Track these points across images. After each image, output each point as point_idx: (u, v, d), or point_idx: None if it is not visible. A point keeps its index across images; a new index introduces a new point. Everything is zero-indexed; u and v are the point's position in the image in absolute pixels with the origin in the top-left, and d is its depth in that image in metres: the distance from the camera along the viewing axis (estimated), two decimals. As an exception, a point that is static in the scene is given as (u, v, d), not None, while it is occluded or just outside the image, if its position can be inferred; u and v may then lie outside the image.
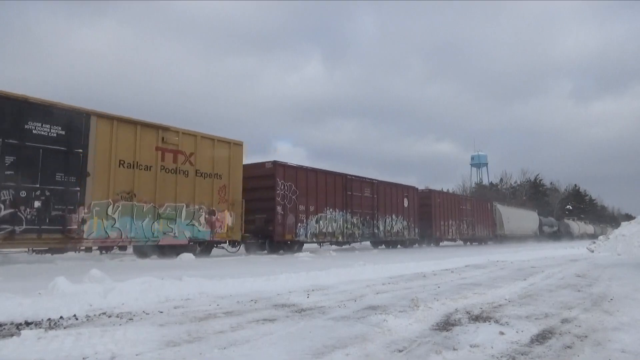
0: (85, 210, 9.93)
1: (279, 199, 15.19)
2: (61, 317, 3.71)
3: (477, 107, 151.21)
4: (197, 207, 12.40)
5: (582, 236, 57.07)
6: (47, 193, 9.30)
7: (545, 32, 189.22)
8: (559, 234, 49.59)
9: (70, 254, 11.06)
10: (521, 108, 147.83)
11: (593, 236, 58.00)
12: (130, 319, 3.75)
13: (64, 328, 3.40)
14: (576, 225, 58.41)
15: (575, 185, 78.08)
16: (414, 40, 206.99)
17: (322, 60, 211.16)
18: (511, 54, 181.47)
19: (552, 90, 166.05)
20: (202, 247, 13.24)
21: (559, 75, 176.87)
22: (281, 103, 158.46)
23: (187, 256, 11.50)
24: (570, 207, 68.23)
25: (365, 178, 20.23)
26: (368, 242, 21.65)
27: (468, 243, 31.00)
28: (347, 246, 20.09)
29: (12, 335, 3.10)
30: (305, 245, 17.55)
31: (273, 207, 15.00)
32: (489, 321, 3.91)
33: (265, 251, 15.23)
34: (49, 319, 3.63)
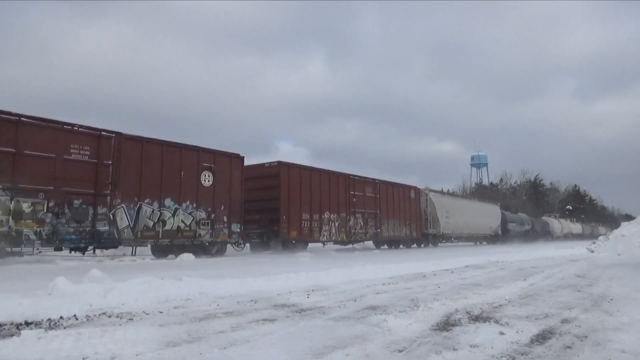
0: None
1: None
2: (61, 317, 3.71)
3: (478, 107, 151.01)
4: None
5: (567, 237, 50.13)
6: None
7: (549, 31, 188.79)
8: (533, 234, 41.52)
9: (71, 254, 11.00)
10: (523, 108, 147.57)
11: (580, 237, 52.66)
12: (130, 319, 3.75)
13: (64, 328, 3.40)
14: (558, 224, 50.33)
15: (575, 185, 78.17)
16: (416, 39, 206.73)
17: (324, 59, 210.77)
18: (514, 53, 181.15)
19: (555, 90, 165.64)
20: None
21: (563, 75, 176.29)
22: (283, 103, 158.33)
23: (187, 256, 11.51)
24: (570, 207, 68.20)
25: (74, 126, 10.54)
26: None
27: (385, 246, 22.50)
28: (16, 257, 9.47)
29: (12, 335, 3.10)
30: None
31: None
32: (489, 321, 3.91)
33: None
34: (49, 319, 3.63)
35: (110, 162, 11.17)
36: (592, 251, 17.20)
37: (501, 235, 34.72)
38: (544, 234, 44.54)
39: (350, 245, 20.45)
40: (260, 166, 16.41)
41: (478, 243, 34.30)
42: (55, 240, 10.01)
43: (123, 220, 11.32)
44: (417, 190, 24.64)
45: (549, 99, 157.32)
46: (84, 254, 11.17)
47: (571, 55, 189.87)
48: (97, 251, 11.71)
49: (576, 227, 56.56)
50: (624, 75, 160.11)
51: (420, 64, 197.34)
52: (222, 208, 13.83)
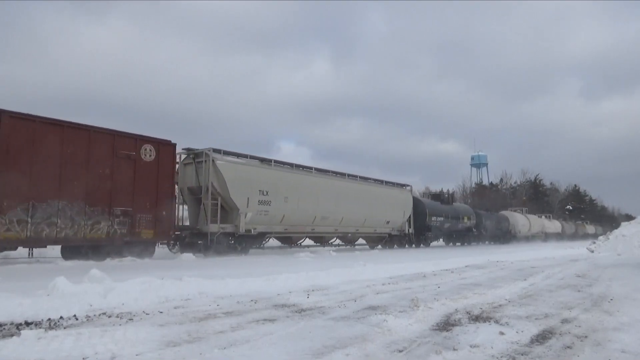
0: None
1: None
2: (61, 317, 3.71)
3: (482, 107, 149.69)
4: None
5: (536, 237, 39.99)
6: None
7: (554, 30, 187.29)
8: (480, 234, 30.89)
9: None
10: (527, 107, 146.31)
11: (559, 237, 44.58)
12: (130, 319, 3.75)
13: (64, 328, 3.40)
14: (523, 220, 38.47)
15: (575, 185, 78.19)
16: (421, 38, 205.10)
17: (328, 58, 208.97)
18: (519, 52, 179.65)
19: (560, 89, 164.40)
20: None
21: (568, 74, 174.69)
22: (286, 102, 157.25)
23: (187, 256, 11.52)
24: (570, 207, 68.21)
25: None
26: None
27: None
28: None
29: (12, 335, 3.10)
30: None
31: None
32: (489, 321, 3.91)
33: None
34: (49, 319, 3.63)
35: None
36: (592, 251, 17.23)
37: (414, 235, 22.77)
38: (501, 234, 34.27)
39: None
40: None
41: (378, 247, 21.38)
42: None
43: None
44: (166, 146, 12.32)
45: (553, 98, 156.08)
46: None
47: (576, 55, 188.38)
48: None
49: (553, 225, 45.87)
50: (629, 74, 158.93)
51: (424, 63, 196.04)
52: None
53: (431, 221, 24.68)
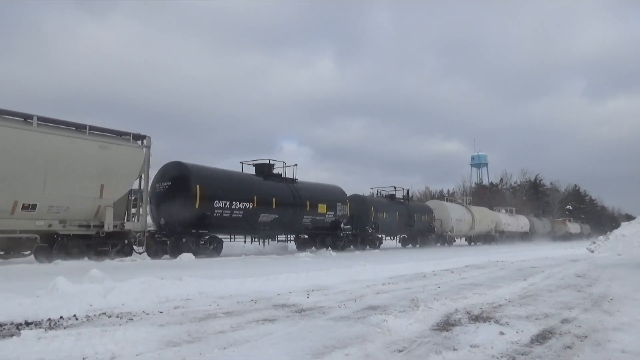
0: None
1: None
2: (61, 317, 3.71)
3: (486, 106, 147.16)
4: None
5: (486, 239, 30.77)
6: None
7: (561, 29, 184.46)
8: (362, 235, 19.40)
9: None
10: (531, 106, 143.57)
11: (527, 237, 36.43)
12: (130, 319, 3.75)
13: (64, 328, 3.40)
14: (462, 213, 28.20)
15: (575, 185, 78.19)
16: (427, 37, 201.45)
17: (333, 57, 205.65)
18: (525, 51, 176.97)
19: (565, 88, 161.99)
20: None
21: (573, 73, 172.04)
22: (289, 101, 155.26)
23: (187, 256, 11.51)
24: (571, 207, 68.23)
25: None
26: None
27: None
28: None
29: (12, 335, 3.10)
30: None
31: None
32: (489, 321, 3.92)
33: None
34: (49, 319, 3.63)
35: None
36: (592, 251, 17.24)
37: (146, 236, 11.68)
38: (416, 233, 24.11)
39: None
40: None
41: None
42: None
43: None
44: None
45: (557, 98, 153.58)
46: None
47: (581, 54, 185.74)
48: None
49: (515, 222, 36.09)
50: (634, 74, 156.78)
51: (429, 62, 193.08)
52: None
53: (214, 210, 12.88)
